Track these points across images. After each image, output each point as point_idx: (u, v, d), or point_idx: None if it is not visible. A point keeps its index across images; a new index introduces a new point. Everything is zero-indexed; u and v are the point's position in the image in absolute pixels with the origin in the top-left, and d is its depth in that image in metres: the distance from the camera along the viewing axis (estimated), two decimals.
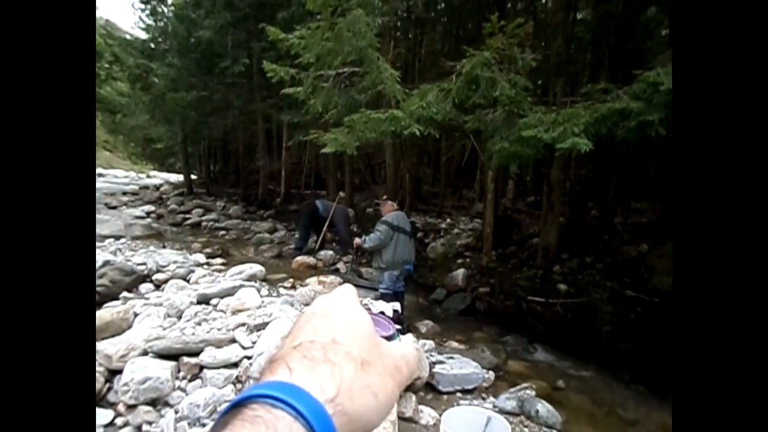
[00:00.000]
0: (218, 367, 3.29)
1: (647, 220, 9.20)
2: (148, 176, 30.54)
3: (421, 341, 4.69)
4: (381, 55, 4.70)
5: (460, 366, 4.05)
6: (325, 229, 8.44)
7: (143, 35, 14.60)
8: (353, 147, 4.35)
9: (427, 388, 3.80)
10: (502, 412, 3.57)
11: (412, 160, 11.39)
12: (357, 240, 5.46)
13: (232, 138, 16.63)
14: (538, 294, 6.15)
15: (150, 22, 14.61)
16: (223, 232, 10.79)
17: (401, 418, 3.12)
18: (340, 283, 6.17)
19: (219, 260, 7.32)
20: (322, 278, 6.20)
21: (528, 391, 3.89)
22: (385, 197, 5.51)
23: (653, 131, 4.05)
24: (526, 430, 3.32)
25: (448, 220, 10.20)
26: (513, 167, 9.33)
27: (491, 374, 4.28)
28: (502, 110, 4.58)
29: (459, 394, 3.86)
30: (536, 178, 10.35)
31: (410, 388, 3.43)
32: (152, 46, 13.97)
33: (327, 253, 8.31)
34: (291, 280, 6.27)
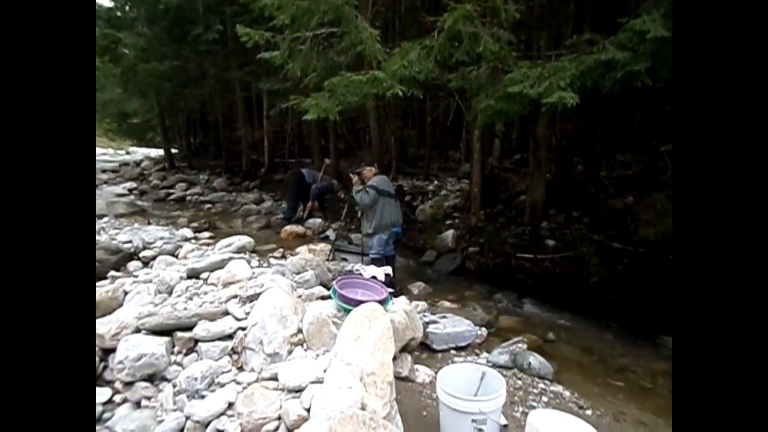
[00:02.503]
0: (213, 340, 3.29)
1: (633, 172, 9.26)
2: (128, 152, 29.75)
3: (414, 302, 4.75)
4: (359, 14, 4.51)
5: (453, 324, 4.12)
6: (312, 200, 8.39)
7: (108, 3, 13.84)
8: (335, 112, 4.23)
9: (422, 348, 3.87)
10: (495, 366, 3.67)
11: (396, 123, 11.22)
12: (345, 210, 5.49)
13: (210, 108, 16.16)
14: (527, 250, 6.23)
15: None
16: (208, 206, 10.65)
17: (398, 377, 3.19)
18: (330, 250, 6.20)
19: (206, 234, 7.24)
20: (312, 246, 6.18)
21: (520, 345, 3.98)
22: (363, 163, 5.50)
23: (640, 82, 4.00)
24: (519, 381, 3.42)
25: (436, 182, 10.17)
26: (499, 125, 9.26)
27: (484, 331, 4.37)
28: (486, 67, 4.47)
29: (453, 352, 3.95)
30: (522, 136, 10.28)
31: (405, 348, 3.49)
32: (119, 14, 13.25)
33: (315, 221, 8.27)
34: (281, 250, 6.24)
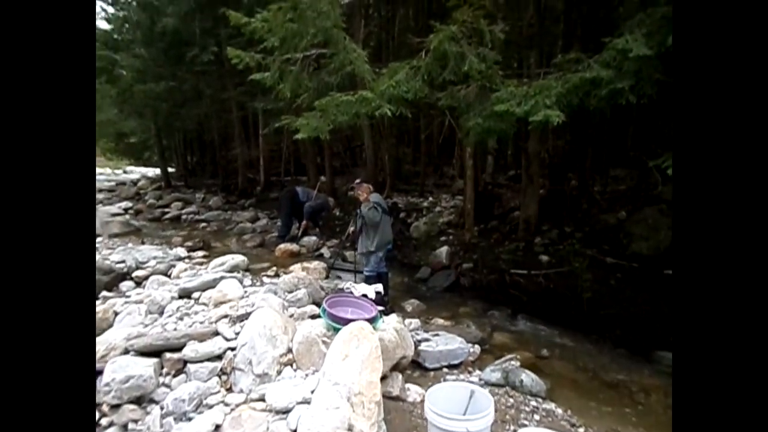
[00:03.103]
0: (201, 361, 3.27)
1: (625, 187, 9.33)
2: (125, 171, 29.81)
3: (407, 320, 4.73)
4: (348, 35, 4.60)
5: (446, 342, 4.10)
6: (306, 218, 8.41)
7: (106, 26, 14.05)
8: (326, 131, 4.28)
9: (414, 366, 3.85)
10: (487, 384, 3.64)
11: (391, 141, 11.31)
12: (350, 228, 5.56)
13: (207, 128, 16.27)
14: (521, 266, 6.23)
15: (112, 11, 14.05)
16: (203, 224, 10.65)
17: (388, 397, 3.16)
18: (325, 269, 6.19)
19: (200, 253, 7.23)
20: (305, 264, 6.18)
21: (513, 362, 3.96)
22: (358, 180, 5.58)
23: (624, 99, 4.07)
24: (511, 399, 3.39)
25: (430, 199, 10.21)
26: (491, 142, 9.35)
27: (477, 348, 4.35)
28: (474, 86, 4.54)
29: (446, 370, 3.92)
30: (516, 152, 10.38)
31: (396, 367, 3.47)
32: (116, 37, 13.45)
33: (310, 239, 8.28)
34: (274, 268, 6.24)
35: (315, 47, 4.65)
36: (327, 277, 6.15)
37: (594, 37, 7.03)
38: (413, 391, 3.33)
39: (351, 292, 4.07)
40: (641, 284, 5.47)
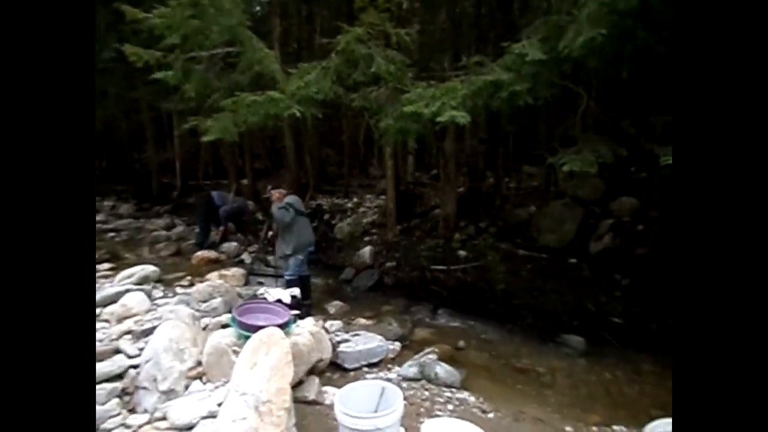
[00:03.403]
0: (99, 382, 3.02)
1: (537, 183, 9.98)
2: None
3: (330, 322, 4.71)
4: (264, 34, 4.49)
5: (365, 342, 4.13)
6: (223, 222, 8.08)
7: None
8: (234, 133, 4.14)
9: (333, 368, 3.83)
10: (405, 379, 3.72)
11: (313, 142, 11.18)
12: (265, 231, 5.44)
13: (115, 129, 15.09)
14: (441, 262, 6.43)
15: None
16: (112, 234, 9.84)
17: (304, 401, 3.12)
18: (244, 275, 5.98)
19: (106, 265, 6.67)
20: (223, 272, 5.93)
21: (430, 356, 4.07)
22: (270, 188, 5.58)
23: (522, 101, 4.34)
24: (426, 392, 3.48)
25: (355, 200, 10.22)
26: (411, 142, 9.56)
27: (397, 345, 4.42)
28: (385, 87, 4.62)
29: (366, 369, 3.95)
30: (436, 152, 10.70)
31: (313, 370, 3.43)
32: None
33: (231, 245, 7.95)
34: (189, 277, 5.92)
35: (223, 45, 4.48)
36: (246, 284, 5.95)
37: (499, 42, 7.45)
38: (330, 394, 3.30)
39: (265, 298, 3.96)
40: (549, 273, 5.86)
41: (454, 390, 3.58)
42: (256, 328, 3.01)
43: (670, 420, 2.64)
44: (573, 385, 4.01)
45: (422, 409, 3.22)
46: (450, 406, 3.31)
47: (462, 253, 6.60)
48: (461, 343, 4.74)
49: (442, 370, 3.70)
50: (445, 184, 7.64)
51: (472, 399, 3.46)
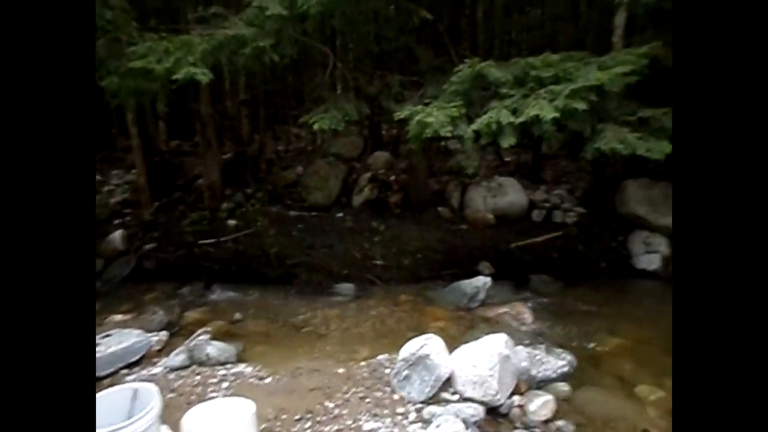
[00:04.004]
0: None
1: (305, 144, 10.17)
2: None
3: None
4: None
5: (120, 341, 3.57)
6: None
7: None
8: None
9: None
10: (172, 370, 3.38)
11: None
12: None
13: None
14: (209, 236, 5.99)
15: None
16: None
17: None
18: None
19: None
20: None
21: (202, 337, 3.81)
22: None
23: (268, 58, 4.21)
24: (198, 377, 3.24)
25: (99, 177, 8.58)
26: (161, 106, 8.44)
27: (163, 334, 3.99)
28: (104, 38, 3.83)
29: (124, 371, 3.43)
30: (194, 115, 9.73)
31: None
32: None
33: None
34: None
35: None
36: None
37: None
38: None
39: None
40: (319, 230, 6.11)
41: (229, 366, 3.43)
42: None
43: (420, 338, 3.08)
44: (345, 329, 4.34)
45: (193, 397, 2.99)
46: (225, 384, 3.16)
47: (232, 222, 6.28)
48: (238, 315, 4.57)
49: (215, 348, 3.49)
50: (205, 150, 7.05)
51: (249, 369, 3.38)
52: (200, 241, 5.93)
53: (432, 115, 3.73)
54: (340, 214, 6.57)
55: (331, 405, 2.88)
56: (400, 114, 4.09)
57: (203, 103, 6.83)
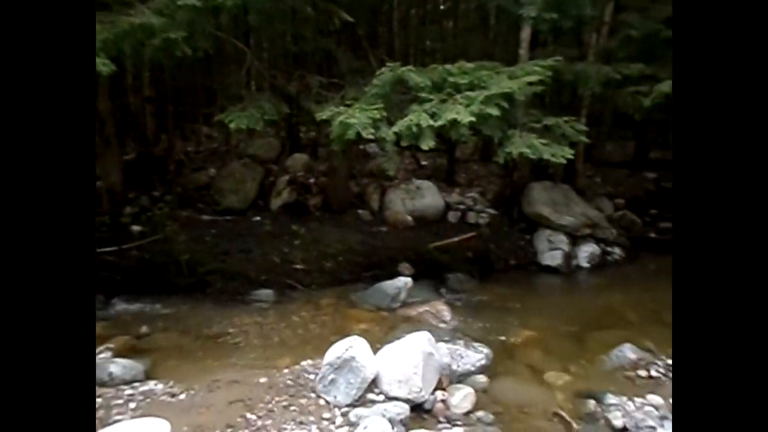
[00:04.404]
0: None
1: (217, 144, 9.65)
2: None
3: None
4: None
5: None
6: None
7: None
8: None
9: None
10: None
11: None
12: None
13: None
14: (109, 243, 5.42)
15: None
16: None
17: None
18: None
19: None
20: None
21: (104, 354, 3.46)
22: None
23: (179, 51, 3.94)
24: (99, 399, 2.91)
25: None
26: None
27: None
28: None
29: None
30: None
31: None
32: None
33: None
34: None
35: None
36: None
37: None
38: None
39: None
40: (235, 234, 5.82)
41: (136, 384, 3.13)
42: None
43: (344, 341, 3.05)
44: (265, 337, 4.18)
45: (96, 421, 2.68)
46: (132, 405, 2.88)
47: (136, 228, 5.76)
48: (144, 329, 4.21)
49: (118, 366, 3.17)
50: (104, 150, 6.40)
51: (160, 387, 3.11)
52: (99, 250, 5.36)
53: (354, 117, 3.74)
54: (258, 218, 6.33)
55: (254, 417, 2.75)
56: (322, 115, 4.05)
57: (102, 97, 6.21)
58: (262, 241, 5.69)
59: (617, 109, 6.97)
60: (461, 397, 3.05)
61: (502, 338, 4.18)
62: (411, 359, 3.00)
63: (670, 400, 2.93)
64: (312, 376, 3.17)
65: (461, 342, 3.85)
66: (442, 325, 4.41)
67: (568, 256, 6.15)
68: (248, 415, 2.75)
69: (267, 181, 6.99)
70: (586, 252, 6.26)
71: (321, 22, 5.35)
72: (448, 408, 3.00)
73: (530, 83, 3.82)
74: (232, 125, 3.96)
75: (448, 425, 2.87)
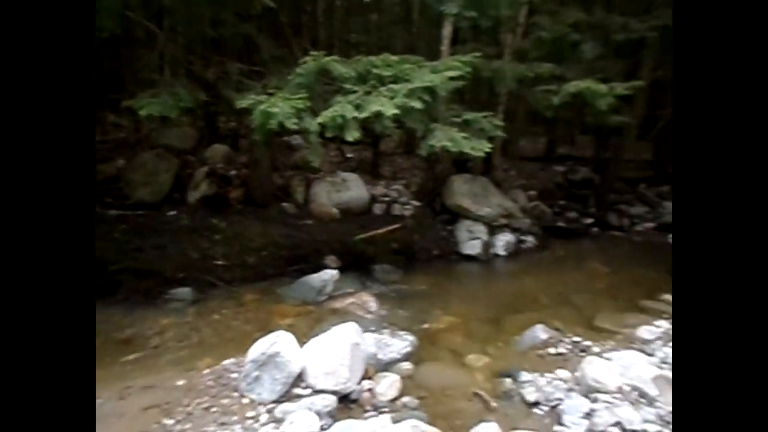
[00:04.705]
0: None
1: (126, 134, 8.91)
2: None
3: None
4: None
5: None
6: None
7: None
8: None
9: None
10: None
11: None
12: None
13: None
14: None
15: None
16: None
17: None
18: None
19: None
20: None
21: None
22: None
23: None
24: None
25: None
26: None
27: None
28: None
29: None
30: None
31: None
32: None
33: None
34: None
35: None
36: None
37: None
38: None
39: None
40: (148, 230, 5.42)
41: None
42: None
43: (269, 337, 2.97)
44: (183, 337, 3.96)
45: None
46: None
47: None
48: None
49: None
50: None
51: None
52: None
53: (277, 106, 3.63)
54: (173, 212, 5.95)
55: (171, 422, 2.60)
56: (242, 103, 3.88)
57: None
58: (178, 236, 5.36)
59: (530, 107, 7.43)
60: (387, 385, 3.11)
61: (426, 325, 4.32)
62: (337, 351, 3.00)
63: (576, 374, 3.22)
64: (235, 375, 3.06)
65: (387, 331, 3.92)
66: (369, 316, 4.46)
67: (487, 245, 6.49)
68: (165, 421, 2.60)
69: (183, 173, 6.58)
70: (503, 241, 6.64)
71: (240, 6, 5.10)
72: (374, 396, 3.04)
73: (451, 78, 3.95)
74: (142, 112, 3.67)
75: (374, 413, 2.91)
